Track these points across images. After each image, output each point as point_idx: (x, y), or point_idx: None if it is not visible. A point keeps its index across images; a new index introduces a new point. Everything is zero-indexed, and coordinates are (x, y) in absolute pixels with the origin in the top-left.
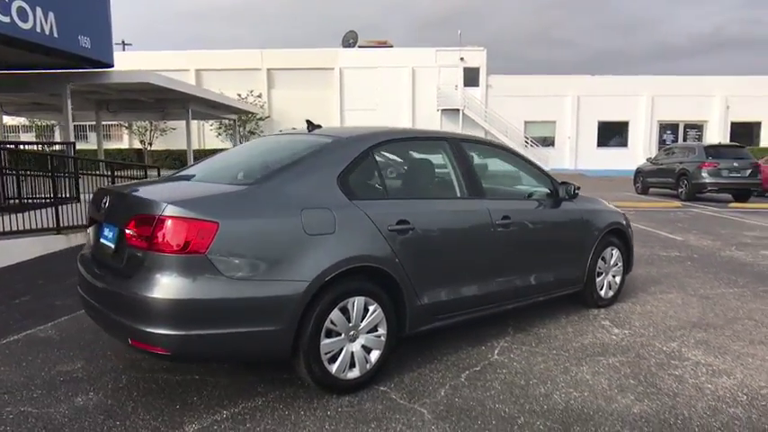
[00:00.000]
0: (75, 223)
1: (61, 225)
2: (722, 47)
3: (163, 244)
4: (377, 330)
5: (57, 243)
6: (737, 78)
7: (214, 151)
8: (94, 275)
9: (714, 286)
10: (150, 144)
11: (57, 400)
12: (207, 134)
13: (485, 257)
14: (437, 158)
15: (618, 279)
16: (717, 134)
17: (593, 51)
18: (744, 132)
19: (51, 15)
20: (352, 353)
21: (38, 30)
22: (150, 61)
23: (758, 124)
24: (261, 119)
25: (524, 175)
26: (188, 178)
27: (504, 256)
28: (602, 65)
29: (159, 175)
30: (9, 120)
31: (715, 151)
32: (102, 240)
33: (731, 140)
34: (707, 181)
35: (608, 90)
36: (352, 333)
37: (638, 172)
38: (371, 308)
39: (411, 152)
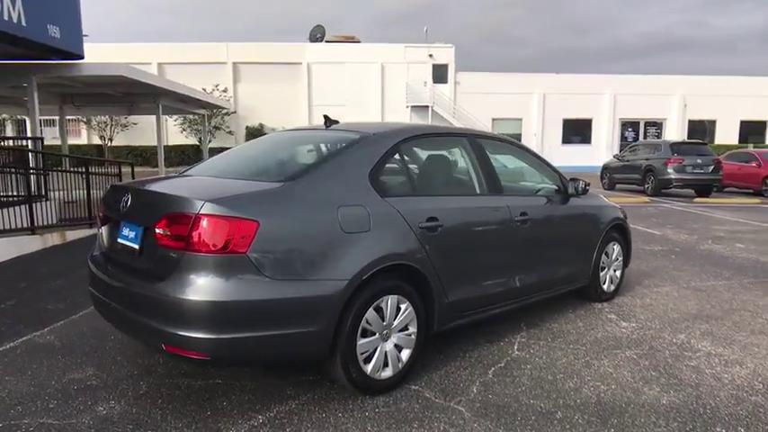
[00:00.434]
0: (47, 222)
1: (35, 224)
2: (671, 48)
3: (200, 244)
4: (407, 329)
5: (32, 244)
6: (695, 78)
7: (179, 147)
8: (113, 277)
9: (703, 279)
10: (111, 140)
11: (77, 411)
12: (170, 129)
13: (506, 254)
14: (458, 155)
15: (618, 273)
16: (675, 132)
17: (549, 50)
18: (700, 130)
19: (19, 2)
20: (386, 352)
21: (5, 17)
22: (109, 53)
23: (713, 122)
24: (227, 114)
25: (535, 171)
26: (209, 175)
27: (523, 253)
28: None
29: (133, 171)
30: None
31: (680, 148)
32: (121, 240)
33: (688, 138)
34: (672, 177)
35: (572, 88)
36: (385, 332)
37: (605, 168)
38: (403, 306)
39: (434, 148)
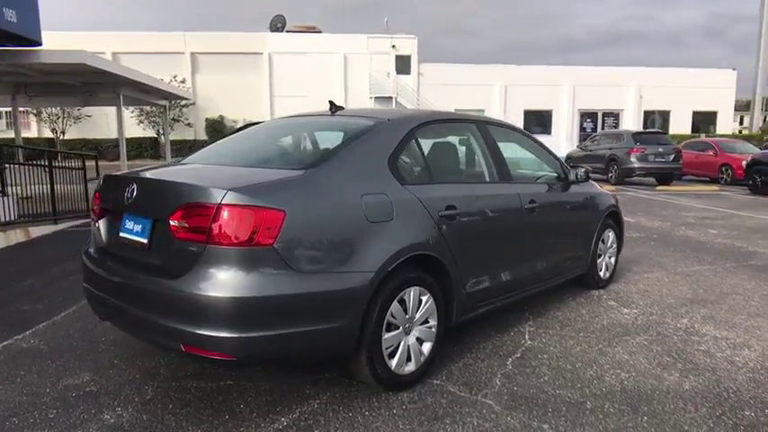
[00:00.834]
0: (7, 219)
1: None
2: (624, 41)
3: (223, 236)
4: (428, 322)
5: None
6: (649, 70)
7: (136, 140)
8: (116, 273)
9: (688, 264)
10: (63, 133)
11: (81, 420)
12: (127, 122)
13: (518, 242)
14: (469, 141)
15: (613, 260)
16: (631, 122)
17: (506, 42)
18: (657, 120)
19: None
20: (408, 346)
21: None
22: (61, 42)
23: (668, 113)
24: (185, 106)
25: (538, 158)
26: (214, 163)
27: (532, 241)
28: (517, 55)
29: (97, 165)
30: None
31: (642, 138)
32: (124, 234)
33: (644, 128)
34: (635, 166)
35: (533, 80)
36: (407, 326)
37: (569, 158)
38: (424, 298)
39: (447, 135)
